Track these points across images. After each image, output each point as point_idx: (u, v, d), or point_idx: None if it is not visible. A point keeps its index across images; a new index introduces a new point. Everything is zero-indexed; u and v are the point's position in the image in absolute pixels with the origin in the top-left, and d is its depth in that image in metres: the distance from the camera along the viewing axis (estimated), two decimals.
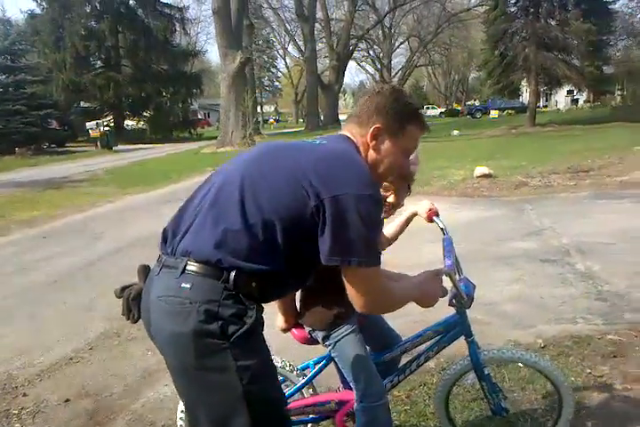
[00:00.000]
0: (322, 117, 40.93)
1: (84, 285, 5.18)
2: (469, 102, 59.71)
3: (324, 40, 44.98)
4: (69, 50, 30.10)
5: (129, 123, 37.30)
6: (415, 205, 2.23)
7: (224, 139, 23.50)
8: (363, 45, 52.68)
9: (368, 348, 2.04)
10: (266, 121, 60.13)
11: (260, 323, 1.50)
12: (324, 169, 1.47)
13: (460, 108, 58.19)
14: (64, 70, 30.39)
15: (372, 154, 1.65)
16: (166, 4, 34.39)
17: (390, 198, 2.01)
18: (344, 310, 1.92)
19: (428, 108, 59.59)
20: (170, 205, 9.85)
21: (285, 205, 1.45)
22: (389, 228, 2.27)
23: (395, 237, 2.30)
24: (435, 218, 2.18)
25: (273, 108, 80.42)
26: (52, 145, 28.42)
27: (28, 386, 3.27)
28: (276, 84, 68.59)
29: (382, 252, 1.62)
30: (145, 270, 1.59)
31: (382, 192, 1.92)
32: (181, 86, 34.29)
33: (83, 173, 16.61)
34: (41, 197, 11.58)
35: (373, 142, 1.63)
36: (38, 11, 31.52)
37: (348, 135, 1.66)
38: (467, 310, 2.03)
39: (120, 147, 27.41)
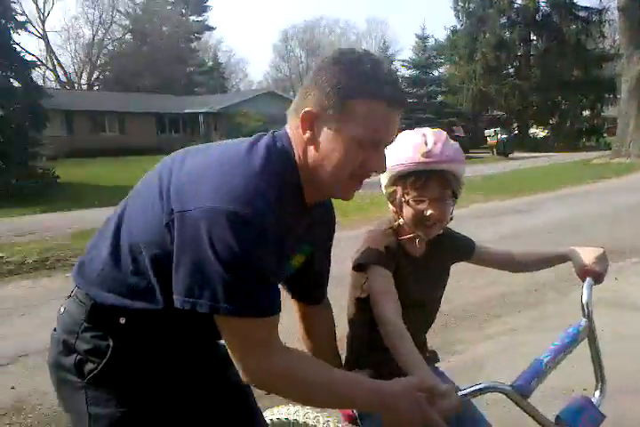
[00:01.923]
0: None
1: None
2: None
3: None
4: (480, 61, 31.81)
5: (534, 131, 37.14)
6: (583, 249, 1.59)
7: (619, 149, 21.25)
8: None
9: None
10: None
11: (138, 368, 1.23)
12: (188, 178, 1.15)
13: None
14: (474, 81, 32.23)
15: (311, 151, 1.19)
16: (584, 8, 32.72)
17: (429, 211, 1.48)
18: None
19: None
20: (511, 216, 9.84)
21: (147, 226, 1.17)
22: (529, 252, 1.73)
23: (527, 268, 1.76)
24: (587, 280, 1.50)
25: None
26: None
27: None
28: None
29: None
30: None
31: (415, 205, 1.48)
32: (591, 92, 32.30)
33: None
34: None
35: (307, 133, 1.17)
36: (459, 26, 34.24)
37: (287, 130, 1.24)
38: None
39: (517, 154, 27.63)
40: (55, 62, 48.56)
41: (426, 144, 1.48)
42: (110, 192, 13.05)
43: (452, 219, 1.57)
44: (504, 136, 27.50)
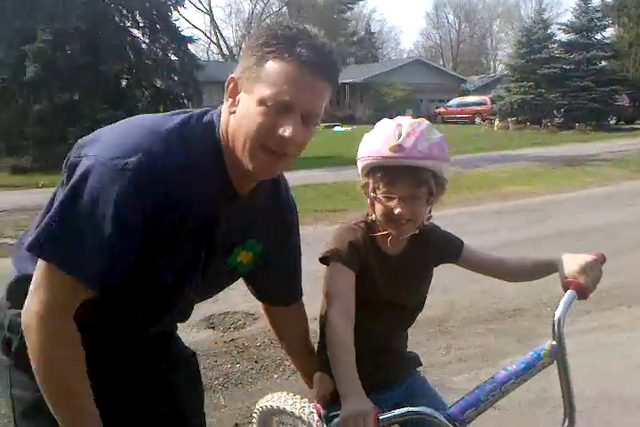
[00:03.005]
0: None
1: None
2: None
3: None
4: None
5: None
6: (569, 256, 1.39)
7: None
8: None
9: None
10: None
11: None
12: (99, 133, 1.15)
13: None
14: None
15: (231, 121, 1.14)
16: None
17: (397, 209, 1.36)
18: None
19: None
20: None
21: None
22: (522, 260, 1.54)
23: (518, 277, 1.58)
24: (568, 292, 1.31)
25: None
26: (621, 122, 27.73)
27: None
28: None
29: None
30: None
31: (384, 202, 1.38)
32: None
33: (616, 152, 15.98)
34: (545, 173, 12.12)
35: (229, 101, 1.14)
36: None
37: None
38: None
39: None
40: (218, 36, 51.45)
41: (398, 137, 1.34)
42: None
43: (429, 218, 1.46)
44: None
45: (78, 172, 1.05)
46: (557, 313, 1.27)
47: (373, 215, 1.44)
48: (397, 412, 1.12)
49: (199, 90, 19.21)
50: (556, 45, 27.70)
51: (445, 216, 7.86)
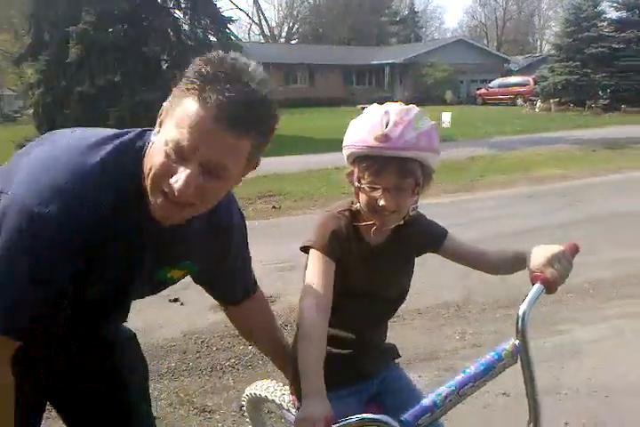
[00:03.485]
0: None
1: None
2: None
3: None
4: None
5: None
6: (539, 248, 1.29)
7: None
8: None
9: None
10: None
11: None
12: (23, 161, 1.09)
13: None
14: None
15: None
16: None
17: (381, 201, 1.31)
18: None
19: None
20: None
21: None
22: (502, 252, 1.45)
23: (498, 270, 1.50)
24: (535, 286, 1.23)
25: None
26: None
27: None
28: None
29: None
30: None
31: (369, 192, 1.33)
32: None
33: None
34: (583, 157, 11.79)
35: (155, 130, 1.06)
36: None
37: None
38: None
39: None
40: (260, 16, 51.25)
41: (385, 125, 1.28)
42: (290, 141, 13.89)
43: (414, 209, 1.40)
44: None
45: (4, 215, 1.01)
46: (521, 309, 1.19)
47: (358, 204, 1.39)
48: (352, 419, 1.07)
49: None
50: (605, 23, 26.54)
51: (478, 199, 7.85)
